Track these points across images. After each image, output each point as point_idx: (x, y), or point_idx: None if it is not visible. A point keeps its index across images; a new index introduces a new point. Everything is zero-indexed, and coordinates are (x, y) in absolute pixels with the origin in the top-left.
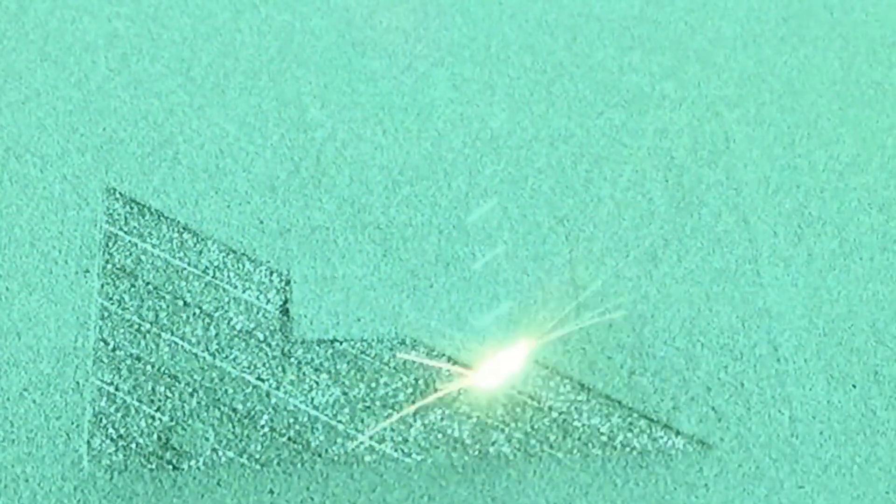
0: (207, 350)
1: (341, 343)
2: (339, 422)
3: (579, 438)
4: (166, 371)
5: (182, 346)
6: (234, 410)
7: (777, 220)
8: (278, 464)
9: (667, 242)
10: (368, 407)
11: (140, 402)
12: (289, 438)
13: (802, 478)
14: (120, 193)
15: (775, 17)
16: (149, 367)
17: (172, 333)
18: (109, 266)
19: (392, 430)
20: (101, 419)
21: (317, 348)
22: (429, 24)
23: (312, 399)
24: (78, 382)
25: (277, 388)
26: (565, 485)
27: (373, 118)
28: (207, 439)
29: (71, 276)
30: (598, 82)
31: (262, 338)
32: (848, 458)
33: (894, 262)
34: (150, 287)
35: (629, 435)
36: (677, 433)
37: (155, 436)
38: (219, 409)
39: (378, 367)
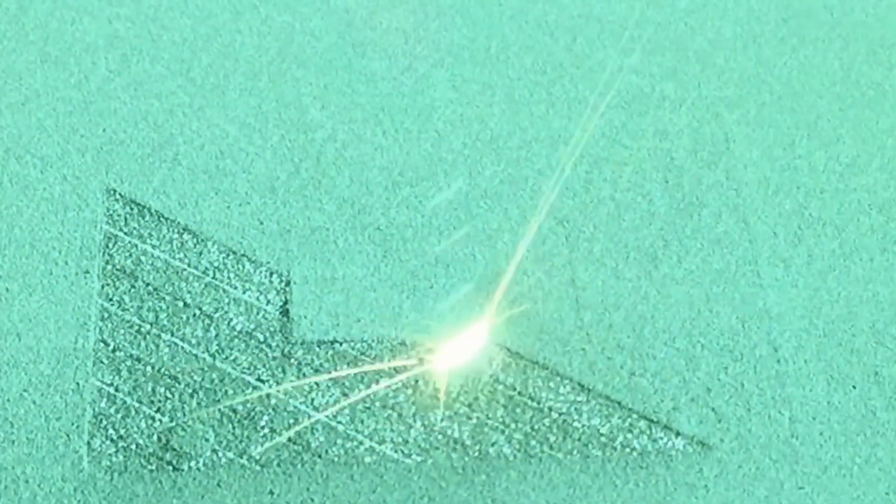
0: (207, 351)
1: (341, 344)
2: (339, 423)
3: (579, 439)
4: (166, 372)
5: (182, 347)
6: (234, 411)
7: (777, 221)
8: (278, 464)
9: (666, 243)
10: (368, 408)
11: (140, 402)
12: (289, 439)
13: (802, 478)
14: (120, 194)
15: (775, 18)
16: (149, 368)
17: (172, 334)
18: (109, 267)
19: (392, 431)
20: (101, 420)
21: (317, 349)
22: (429, 24)
23: (312, 400)
24: (78, 383)
25: (277, 390)
26: (565, 485)
27: (373, 119)
28: (207, 440)
29: (71, 277)
30: (598, 83)
31: (262, 339)
32: (848, 459)
33: (894, 263)
34: (150, 288)
35: (629, 436)
36: (677, 434)
37: (155, 437)
38: (219, 409)
39: (378, 367)
